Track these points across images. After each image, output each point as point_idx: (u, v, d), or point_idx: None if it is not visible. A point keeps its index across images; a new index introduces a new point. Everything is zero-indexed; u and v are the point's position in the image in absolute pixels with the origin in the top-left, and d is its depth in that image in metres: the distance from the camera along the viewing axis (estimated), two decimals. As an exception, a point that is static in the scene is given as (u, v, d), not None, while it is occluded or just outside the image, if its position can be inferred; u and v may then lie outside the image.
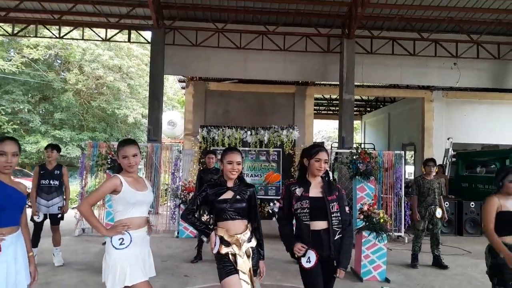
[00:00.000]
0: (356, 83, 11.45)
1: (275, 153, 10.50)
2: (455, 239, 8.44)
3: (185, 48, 11.65)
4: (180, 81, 16.18)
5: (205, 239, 3.00)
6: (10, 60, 19.79)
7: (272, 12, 11.36)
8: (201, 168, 8.03)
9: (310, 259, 2.82)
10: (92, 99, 21.85)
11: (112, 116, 22.10)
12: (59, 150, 5.87)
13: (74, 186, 12.12)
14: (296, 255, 2.88)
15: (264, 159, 10.58)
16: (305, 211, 2.88)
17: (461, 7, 10.57)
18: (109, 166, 7.34)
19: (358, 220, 5.71)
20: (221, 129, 10.74)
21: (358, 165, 7.38)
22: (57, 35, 12.79)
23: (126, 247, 2.68)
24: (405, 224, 8.38)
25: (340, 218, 2.91)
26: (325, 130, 31.05)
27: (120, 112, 21.30)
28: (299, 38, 11.69)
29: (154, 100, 11.41)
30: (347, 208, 3.03)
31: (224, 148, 3.13)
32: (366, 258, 5.47)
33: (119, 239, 2.69)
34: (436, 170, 6.54)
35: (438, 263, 6.21)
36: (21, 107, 19.37)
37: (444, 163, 11.36)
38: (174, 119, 18.33)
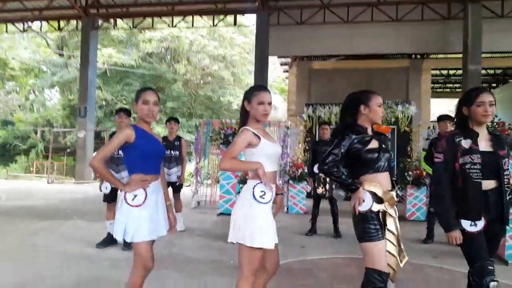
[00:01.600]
0: (482, 53, 10.04)
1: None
2: None
3: (289, 27, 11.46)
4: (282, 64, 16.13)
5: (342, 193, 2.64)
6: (129, 55, 21.89)
7: (384, -20, 10.57)
8: (315, 140, 7.77)
9: (476, 222, 2.40)
10: (199, 88, 23.12)
11: (217, 103, 23.12)
12: (179, 122, 6.14)
13: (187, 167, 12.87)
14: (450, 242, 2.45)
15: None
16: (476, 167, 2.41)
17: None
18: (222, 141, 7.50)
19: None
20: (327, 107, 10.37)
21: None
22: (170, 25, 13.63)
23: (267, 202, 2.37)
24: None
25: (510, 176, 2.49)
26: (439, 110, 28.37)
27: (225, 100, 22.17)
28: (414, 7, 10.66)
29: (259, 82, 11.48)
30: None
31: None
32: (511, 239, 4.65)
33: (261, 191, 2.36)
34: None
35: None
36: (139, 97, 21.34)
37: None
38: (275, 103, 18.44)
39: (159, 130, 19.47)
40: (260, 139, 2.40)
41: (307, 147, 10.18)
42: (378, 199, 2.42)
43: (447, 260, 4.69)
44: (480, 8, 9.92)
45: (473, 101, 2.49)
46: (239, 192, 5.39)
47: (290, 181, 8.09)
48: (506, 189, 2.44)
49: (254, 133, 2.40)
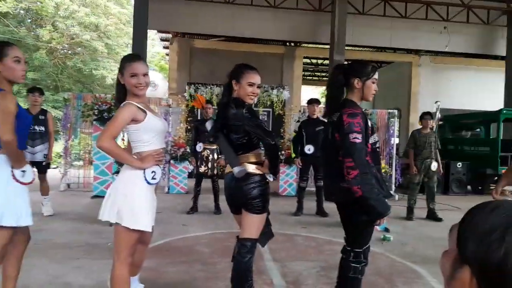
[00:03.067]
0: (345, 45, 11.22)
1: (265, 113, 10.33)
2: (442, 198, 8.59)
3: (171, 2, 11.05)
4: (162, 39, 15.51)
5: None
6: (-24, 14, 18.40)
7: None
8: (198, 119, 7.76)
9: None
10: (67, 58, 20.80)
11: (89, 77, 21.16)
12: (43, 93, 5.51)
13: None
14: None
15: (253, 118, 10.38)
16: (378, 145, 2.49)
17: (455, -32, 10.44)
18: (96, 117, 6.95)
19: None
20: (209, 87, 10.45)
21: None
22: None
23: (157, 182, 2.31)
24: (395, 183, 8.48)
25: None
26: (309, 97, 30.99)
27: (98, 73, 20.41)
28: (290, -5, 11.29)
29: (138, 56, 10.87)
30: None
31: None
32: (366, 209, 5.45)
33: (152, 172, 2.26)
34: (432, 123, 6.53)
35: (432, 216, 6.30)
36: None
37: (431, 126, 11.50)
38: (155, 80, 17.71)
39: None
40: (146, 114, 2.26)
41: (188, 127, 10.13)
42: None
43: (314, 229, 5.27)
44: (346, 4, 10.99)
45: (370, 76, 2.35)
46: (116, 172, 5.12)
47: (172, 161, 7.98)
48: None
49: (138, 107, 2.24)
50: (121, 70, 2.29)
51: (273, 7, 11.25)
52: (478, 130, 10.37)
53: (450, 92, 13.52)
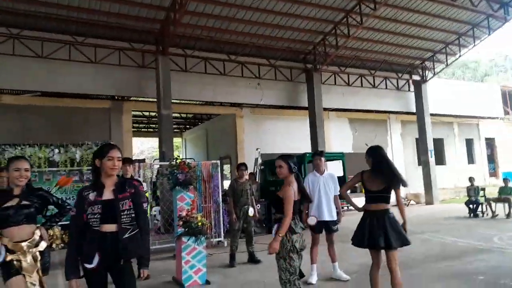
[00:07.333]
0: (173, 100, 11.61)
1: (89, 172, 9.68)
2: (268, 238, 9.32)
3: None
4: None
5: None
6: None
7: (80, 22, 10.60)
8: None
9: (92, 260, 2.73)
10: None
11: None
12: None
13: None
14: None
15: (77, 179, 9.62)
16: (96, 216, 2.75)
17: (260, 34, 12.17)
18: None
19: (178, 228, 5.77)
20: (19, 148, 9.30)
21: (178, 175, 7.47)
22: None
23: None
24: (224, 229, 8.89)
25: (132, 215, 2.86)
26: (148, 148, 30.70)
27: None
28: (111, 51, 11.22)
29: None
30: (145, 205, 3.05)
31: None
32: (187, 264, 5.52)
33: None
34: (248, 174, 7.19)
35: (252, 259, 6.79)
36: None
37: (255, 170, 12.62)
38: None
39: None
40: None
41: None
42: (11, 251, 2.94)
43: None
44: (168, 61, 11.48)
45: (105, 155, 2.81)
46: None
47: None
48: (128, 227, 2.80)
49: None
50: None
51: (93, 62, 10.96)
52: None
53: (269, 139, 15.23)
